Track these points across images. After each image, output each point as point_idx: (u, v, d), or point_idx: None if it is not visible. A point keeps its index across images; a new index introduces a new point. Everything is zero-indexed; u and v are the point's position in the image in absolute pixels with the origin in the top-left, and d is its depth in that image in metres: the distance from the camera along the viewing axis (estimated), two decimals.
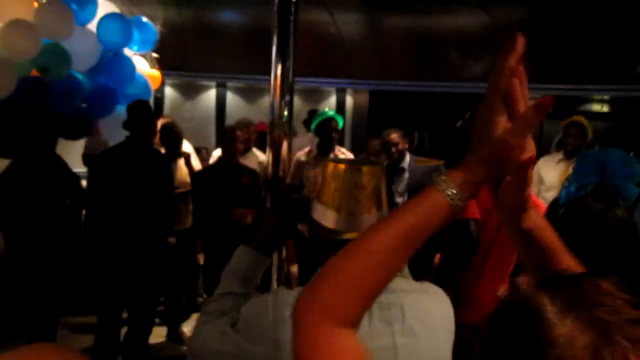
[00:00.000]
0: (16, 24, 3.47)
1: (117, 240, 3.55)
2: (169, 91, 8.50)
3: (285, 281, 2.13)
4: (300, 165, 4.51)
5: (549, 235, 0.88)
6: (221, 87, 8.63)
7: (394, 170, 4.42)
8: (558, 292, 0.61)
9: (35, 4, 3.72)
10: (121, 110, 4.05)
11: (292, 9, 2.05)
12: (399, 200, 4.38)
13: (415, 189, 3.88)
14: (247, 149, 4.94)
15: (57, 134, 3.48)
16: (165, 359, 4.17)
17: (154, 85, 4.83)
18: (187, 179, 4.46)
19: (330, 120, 4.43)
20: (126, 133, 3.66)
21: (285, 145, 2.17)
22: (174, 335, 4.47)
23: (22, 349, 0.66)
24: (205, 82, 8.57)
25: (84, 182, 3.83)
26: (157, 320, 4.28)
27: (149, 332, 3.83)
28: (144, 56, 4.79)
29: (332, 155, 4.37)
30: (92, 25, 4.12)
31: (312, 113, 5.55)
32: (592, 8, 6.76)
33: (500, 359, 0.62)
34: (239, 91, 8.69)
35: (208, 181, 4.07)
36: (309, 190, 4.29)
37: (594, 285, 0.61)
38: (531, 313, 0.60)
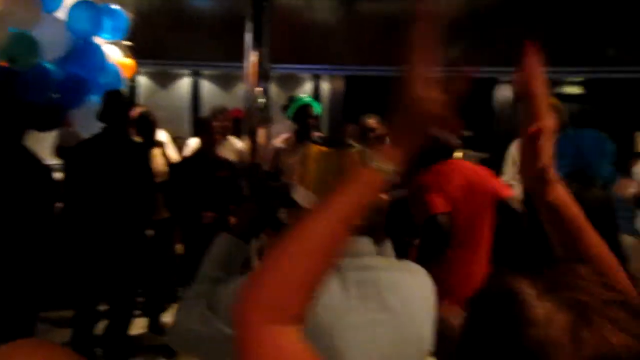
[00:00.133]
0: None
1: (94, 232, 3.50)
2: (142, 80, 8.37)
3: None
4: (278, 152, 4.49)
5: (574, 212, 0.91)
6: (196, 75, 8.54)
7: None
8: (536, 276, 0.62)
9: None
10: (94, 101, 3.98)
11: None
12: None
13: None
14: (224, 137, 4.90)
15: (27, 126, 3.40)
16: (147, 350, 4.15)
17: (127, 74, 4.75)
18: (163, 168, 4.42)
19: (306, 106, 4.42)
20: (99, 124, 3.59)
21: (262, 132, 2.15)
22: (155, 326, 4.45)
23: (7, 346, 0.65)
24: (180, 70, 8.47)
25: (58, 175, 3.76)
26: (137, 312, 4.25)
27: (129, 323, 3.81)
28: (115, 44, 4.70)
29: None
30: (61, 13, 4.03)
31: (292, 99, 5.53)
32: None
33: (481, 341, 0.63)
34: (213, 79, 8.60)
35: (187, 173, 4.05)
36: (288, 177, 4.28)
37: (570, 269, 0.63)
38: (510, 296, 0.61)
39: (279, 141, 4.58)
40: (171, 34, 7.57)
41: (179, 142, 5.57)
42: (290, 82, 8.45)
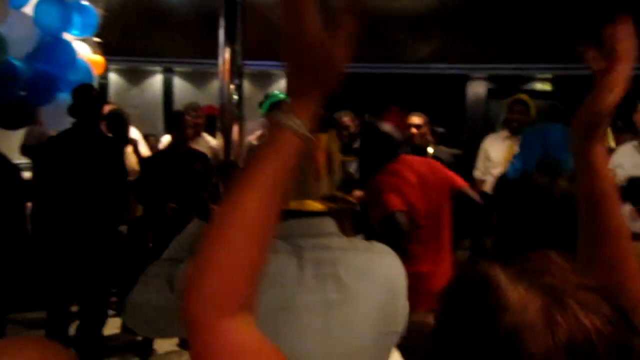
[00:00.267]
0: None
1: (66, 231, 3.43)
2: (113, 77, 8.25)
3: None
4: (252, 149, 4.47)
5: (608, 184, 0.90)
6: (168, 72, 8.44)
7: (346, 153, 4.44)
8: (509, 263, 0.63)
9: None
10: (63, 98, 3.91)
11: None
12: None
13: None
14: (197, 134, 4.87)
15: None
16: (121, 350, 4.10)
17: (97, 71, 4.67)
18: (136, 167, 4.36)
19: (280, 103, 4.40)
20: (69, 122, 3.52)
21: (235, 129, 2.15)
22: None
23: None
24: (151, 67, 8.36)
25: (26, 174, 3.69)
26: (111, 312, 4.20)
27: (103, 323, 3.76)
28: (85, 41, 4.62)
29: None
30: (28, 9, 3.94)
31: (267, 97, 5.51)
32: None
33: (456, 329, 0.63)
34: (186, 76, 8.52)
35: (158, 168, 3.99)
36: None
37: (542, 255, 0.63)
38: (484, 282, 0.61)
39: (252, 138, 4.56)
40: (142, 30, 7.46)
41: (151, 140, 5.52)
42: (264, 79, 8.41)
